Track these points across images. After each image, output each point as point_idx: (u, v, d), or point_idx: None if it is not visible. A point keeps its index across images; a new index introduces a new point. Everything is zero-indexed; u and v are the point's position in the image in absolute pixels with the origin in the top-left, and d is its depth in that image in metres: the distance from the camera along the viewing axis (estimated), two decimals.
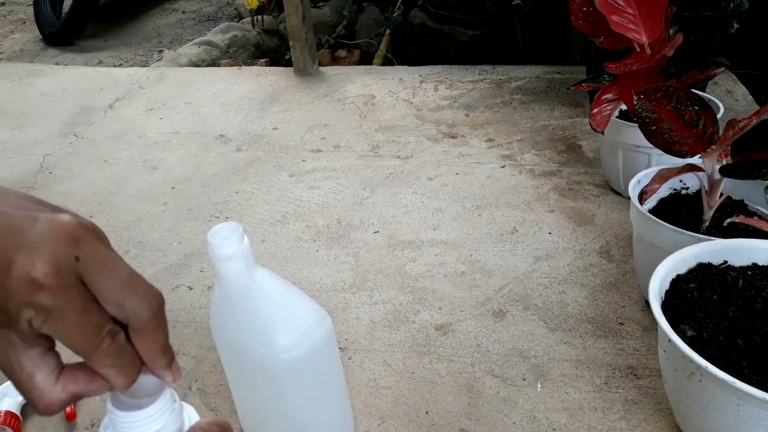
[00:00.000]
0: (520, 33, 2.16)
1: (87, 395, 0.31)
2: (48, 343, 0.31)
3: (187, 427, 0.32)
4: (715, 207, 0.85)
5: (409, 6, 2.51)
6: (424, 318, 0.94)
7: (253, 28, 2.85)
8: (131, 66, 2.75)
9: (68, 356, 0.32)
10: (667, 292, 0.72)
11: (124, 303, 0.29)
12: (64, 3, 3.16)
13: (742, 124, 0.75)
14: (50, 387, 0.30)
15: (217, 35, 2.73)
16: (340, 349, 0.86)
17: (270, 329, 0.58)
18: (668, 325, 0.63)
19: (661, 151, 0.83)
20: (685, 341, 0.61)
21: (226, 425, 0.32)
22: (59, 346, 0.31)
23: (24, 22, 3.54)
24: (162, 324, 0.31)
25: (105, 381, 0.30)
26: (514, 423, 0.76)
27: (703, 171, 0.83)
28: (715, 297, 0.70)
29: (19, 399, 0.81)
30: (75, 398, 0.30)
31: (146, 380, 0.32)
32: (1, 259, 0.26)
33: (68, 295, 0.27)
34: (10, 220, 0.27)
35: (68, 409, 0.80)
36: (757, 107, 1.49)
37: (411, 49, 2.47)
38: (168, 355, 0.32)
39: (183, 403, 0.34)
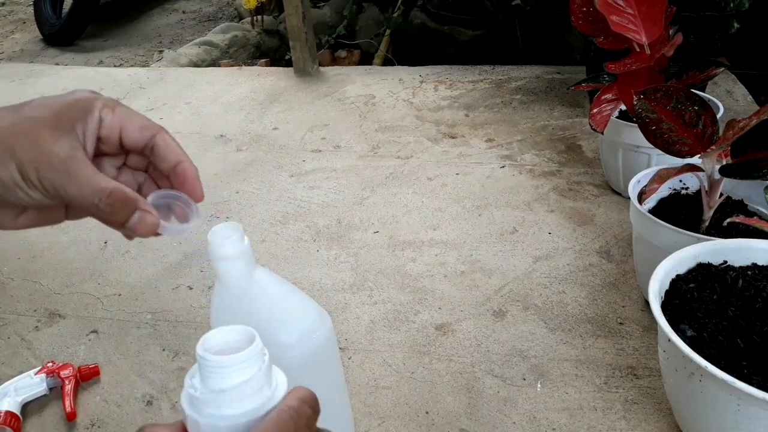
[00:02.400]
0: (520, 33, 2.16)
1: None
2: None
3: (277, 387, 0.31)
4: (715, 207, 0.85)
5: (409, 6, 2.51)
6: (424, 318, 0.94)
7: (253, 28, 2.85)
8: (131, 66, 2.75)
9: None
10: (666, 292, 0.72)
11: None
12: (65, 3, 3.16)
13: (741, 124, 0.75)
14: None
15: (218, 35, 2.73)
16: (340, 349, 0.86)
17: (270, 329, 0.58)
18: (668, 325, 0.63)
19: (660, 151, 0.83)
20: (684, 341, 0.61)
21: (315, 402, 0.31)
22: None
23: (24, 22, 3.54)
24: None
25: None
26: (514, 423, 0.76)
27: (703, 171, 0.83)
28: (714, 297, 0.70)
29: (20, 399, 0.81)
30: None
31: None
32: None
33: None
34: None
35: (68, 409, 0.80)
36: (756, 107, 1.49)
37: (411, 49, 2.47)
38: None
39: (274, 366, 0.33)
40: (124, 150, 0.41)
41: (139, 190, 0.43)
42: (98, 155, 0.40)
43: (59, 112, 0.36)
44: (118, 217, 0.37)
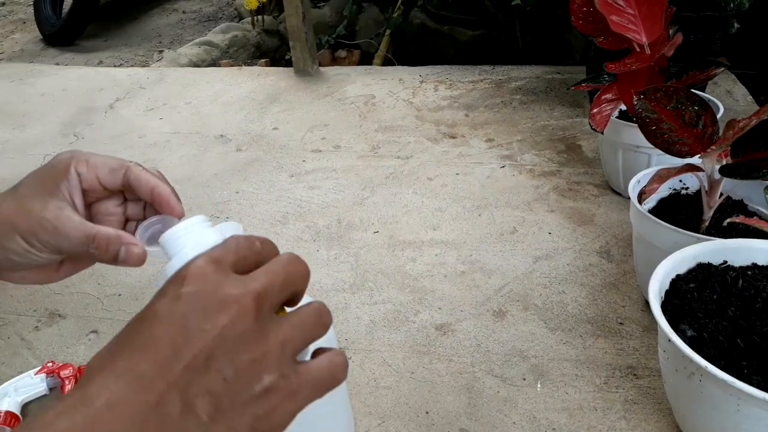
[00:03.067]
0: (520, 33, 2.16)
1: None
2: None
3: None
4: (715, 207, 0.85)
5: (409, 6, 2.51)
6: (424, 318, 0.94)
7: (253, 29, 2.85)
8: (131, 66, 2.75)
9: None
10: (666, 292, 0.72)
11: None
12: (65, 3, 3.16)
13: (741, 124, 0.75)
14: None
15: (218, 35, 2.73)
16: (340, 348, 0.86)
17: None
18: (668, 325, 0.63)
19: (660, 151, 0.83)
20: (684, 341, 0.61)
21: (268, 242, 0.34)
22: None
23: (24, 22, 3.54)
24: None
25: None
26: (514, 423, 0.76)
27: (703, 171, 0.83)
28: (714, 297, 0.70)
29: (19, 399, 0.81)
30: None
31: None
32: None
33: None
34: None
35: None
36: (756, 107, 1.49)
37: (411, 49, 2.47)
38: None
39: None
40: (114, 191, 0.46)
41: (144, 218, 0.48)
42: (96, 201, 0.46)
43: (44, 181, 0.43)
44: (108, 255, 0.42)
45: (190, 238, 0.35)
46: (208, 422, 0.27)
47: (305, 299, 0.34)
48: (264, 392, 0.28)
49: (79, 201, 0.43)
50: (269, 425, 0.28)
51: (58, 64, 2.70)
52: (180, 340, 0.27)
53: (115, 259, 0.42)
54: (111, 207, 0.46)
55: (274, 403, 0.28)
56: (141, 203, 0.47)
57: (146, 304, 0.30)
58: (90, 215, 0.45)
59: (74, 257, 0.46)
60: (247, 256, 0.32)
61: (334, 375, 0.32)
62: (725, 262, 0.75)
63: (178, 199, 0.44)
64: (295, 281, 0.32)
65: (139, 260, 0.43)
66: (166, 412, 0.26)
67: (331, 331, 0.63)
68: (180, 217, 0.45)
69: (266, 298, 0.30)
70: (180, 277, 0.30)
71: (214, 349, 0.27)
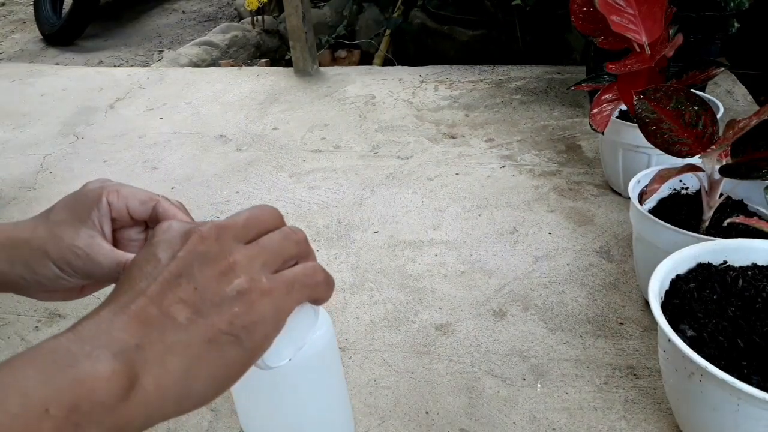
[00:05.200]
0: (520, 33, 2.16)
1: None
2: None
3: None
4: (715, 207, 0.85)
5: (409, 6, 2.51)
6: (424, 318, 0.94)
7: (253, 29, 2.85)
8: (131, 66, 2.75)
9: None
10: (666, 292, 0.72)
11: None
12: (64, 3, 3.16)
13: (741, 124, 0.75)
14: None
15: (218, 35, 2.73)
16: (340, 349, 0.86)
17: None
18: (668, 325, 0.63)
19: (660, 151, 0.83)
20: (684, 341, 0.61)
21: (297, 233, 0.35)
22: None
23: (24, 22, 3.54)
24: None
25: None
26: (514, 423, 0.76)
27: (703, 171, 0.83)
28: (714, 297, 0.70)
29: None
30: None
31: None
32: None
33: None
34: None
35: None
36: (756, 107, 1.49)
37: (411, 49, 2.47)
38: None
39: None
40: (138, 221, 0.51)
41: None
42: (121, 228, 0.49)
43: (75, 209, 0.46)
44: None
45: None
46: (186, 324, 0.29)
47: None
48: (237, 294, 0.30)
49: (108, 229, 0.47)
50: (249, 319, 0.30)
51: (58, 64, 2.70)
52: (150, 268, 0.31)
53: None
54: (133, 234, 0.50)
55: (249, 300, 0.30)
56: None
57: None
58: (114, 241, 0.48)
59: (98, 281, 0.49)
60: (250, 227, 0.34)
61: (309, 275, 0.34)
62: (725, 262, 0.75)
63: None
64: (259, 220, 0.34)
65: None
66: (145, 318, 0.29)
67: (330, 328, 0.63)
68: None
69: (227, 228, 0.32)
70: (161, 228, 0.33)
71: (182, 268, 0.30)
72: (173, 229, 0.33)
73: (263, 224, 0.34)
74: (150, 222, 0.49)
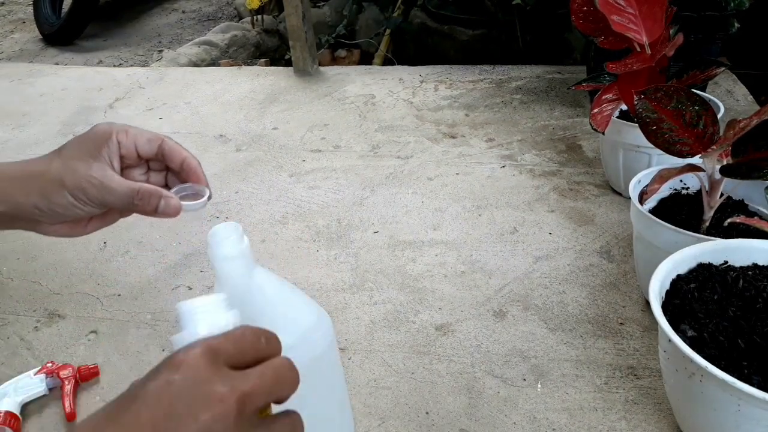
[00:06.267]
0: (520, 33, 2.16)
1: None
2: None
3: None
4: (716, 207, 0.85)
5: (409, 6, 2.51)
6: (424, 318, 0.94)
7: (253, 28, 2.85)
8: (131, 66, 2.75)
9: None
10: (667, 292, 0.72)
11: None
12: (64, 3, 3.16)
13: (742, 124, 0.75)
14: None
15: (217, 35, 2.73)
16: (340, 349, 0.85)
17: (269, 329, 0.57)
18: (668, 325, 0.63)
19: (661, 151, 0.83)
20: (685, 341, 0.61)
21: (273, 339, 0.37)
22: None
23: (24, 22, 3.54)
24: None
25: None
26: (514, 423, 0.76)
27: (704, 171, 0.83)
28: (715, 297, 0.70)
29: (19, 399, 0.81)
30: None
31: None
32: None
33: None
34: None
35: (68, 409, 0.80)
36: (757, 107, 1.49)
37: (411, 49, 2.47)
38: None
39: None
40: (143, 160, 0.54)
41: (165, 186, 0.56)
42: (126, 168, 0.53)
43: (87, 146, 0.50)
44: (149, 206, 0.50)
45: (205, 317, 0.37)
46: None
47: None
48: None
49: (117, 165, 0.51)
50: None
51: (57, 63, 2.70)
52: (162, 428, 0.30)
53: (155, 210, 0.51)
54: (137, 175, 0.54)
55: None
56: (162, 174, 0.56)
57: (140, 379, 0.32)
58: None
59: (103, 215, 0.54)
60: (246, 351, 0.34)
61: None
62: (726, 262, 0.75)
63: (203, 171, 0.54)
64: (282, 389, 0.34)
65: (176, 211, 0.51)
66: None
67: (330, 329, 0.63)
68: (204, 184, 0.54)
69: (250, 401, 0.32)
70: (176, 362, 0.32)
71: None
72: (199, 379, 0.32)
73: (283, 394, 0.35)
74: (153, 161, 0.53)
